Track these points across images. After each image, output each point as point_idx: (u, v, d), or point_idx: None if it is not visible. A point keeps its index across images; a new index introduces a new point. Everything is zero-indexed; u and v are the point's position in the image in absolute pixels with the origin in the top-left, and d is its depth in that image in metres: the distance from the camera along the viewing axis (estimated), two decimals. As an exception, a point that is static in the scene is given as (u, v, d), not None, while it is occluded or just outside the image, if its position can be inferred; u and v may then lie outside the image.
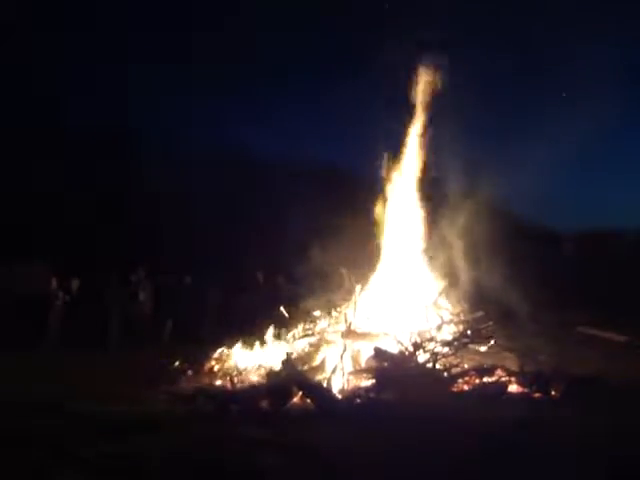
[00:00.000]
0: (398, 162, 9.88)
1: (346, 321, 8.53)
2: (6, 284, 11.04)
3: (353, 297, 9.01)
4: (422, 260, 9.63)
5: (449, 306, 9.27)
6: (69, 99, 22.07)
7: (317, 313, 9.42)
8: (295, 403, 6.78)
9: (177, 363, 8.64)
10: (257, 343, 8.86)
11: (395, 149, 9.88)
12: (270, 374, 7.41)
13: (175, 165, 18.05)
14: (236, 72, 25.48)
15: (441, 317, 8.77)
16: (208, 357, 8.72)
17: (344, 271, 9.69)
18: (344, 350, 7.70)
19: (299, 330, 9.15)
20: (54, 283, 11.23)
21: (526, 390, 7.26)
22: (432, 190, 10.02)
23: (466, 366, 7.83)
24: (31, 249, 13.23)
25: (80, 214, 16.09)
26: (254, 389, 7.27)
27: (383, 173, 9.92)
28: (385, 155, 9.91)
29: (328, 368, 7.57)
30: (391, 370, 7.32)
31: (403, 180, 9.89)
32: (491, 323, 8.51)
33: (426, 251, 9.65)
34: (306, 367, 7.72)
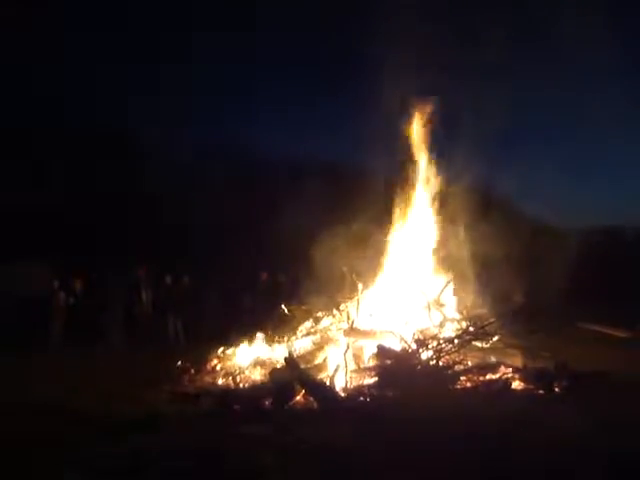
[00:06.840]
0: (405, 161, 9.83)
1: (349, 319, 8.49)
2: (7, 285, 11.04)
3: (356, 295, 8.97)
4: (425, 257, 9.58)
5: (453, 303, 9.21)
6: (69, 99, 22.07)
7: (320, 311, 9.38)
8: (298, 402, 6.77)
9: (179, 362, 8.63)
10: (260, 342, 8.83)
11: (401, 147, 9.84)
12: (273, 373, 7.38)
13: (175, 165, 18.04)
14: (236, 71, 25.50)
15: (444, 314, 8.72)
16: (211, 356, 8.69)
17: (346, 269, 9.64)
18: (347, 348, 7.67)
19: (302, 328, 9.12)
20: (55, 284, 11.22)
21: (530, 387, 7.22)
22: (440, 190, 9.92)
23: (469, 363, 7.79)
24: (32, 250, 13.22)
25: (80, 215, 16.09)
26: (257, 388, 7.25)
27: (390, 172, 9.88)
28: (393, 153, 9.85)
29: (331, 366, 7.54)
30: (394, 368, 7.29)
31: (409, 179, 9.84)
32: (494, 320, 8.46)
33: (432, 248, 9.59)
34: (309, 365, 7.68)
